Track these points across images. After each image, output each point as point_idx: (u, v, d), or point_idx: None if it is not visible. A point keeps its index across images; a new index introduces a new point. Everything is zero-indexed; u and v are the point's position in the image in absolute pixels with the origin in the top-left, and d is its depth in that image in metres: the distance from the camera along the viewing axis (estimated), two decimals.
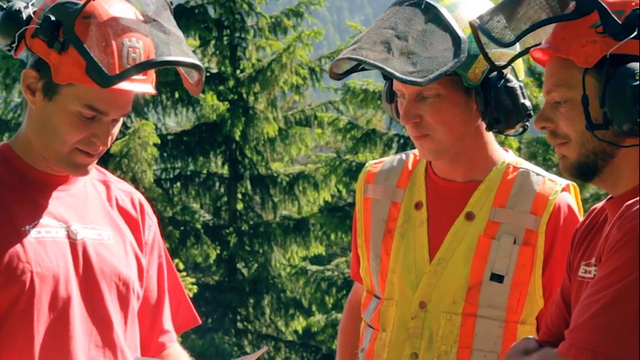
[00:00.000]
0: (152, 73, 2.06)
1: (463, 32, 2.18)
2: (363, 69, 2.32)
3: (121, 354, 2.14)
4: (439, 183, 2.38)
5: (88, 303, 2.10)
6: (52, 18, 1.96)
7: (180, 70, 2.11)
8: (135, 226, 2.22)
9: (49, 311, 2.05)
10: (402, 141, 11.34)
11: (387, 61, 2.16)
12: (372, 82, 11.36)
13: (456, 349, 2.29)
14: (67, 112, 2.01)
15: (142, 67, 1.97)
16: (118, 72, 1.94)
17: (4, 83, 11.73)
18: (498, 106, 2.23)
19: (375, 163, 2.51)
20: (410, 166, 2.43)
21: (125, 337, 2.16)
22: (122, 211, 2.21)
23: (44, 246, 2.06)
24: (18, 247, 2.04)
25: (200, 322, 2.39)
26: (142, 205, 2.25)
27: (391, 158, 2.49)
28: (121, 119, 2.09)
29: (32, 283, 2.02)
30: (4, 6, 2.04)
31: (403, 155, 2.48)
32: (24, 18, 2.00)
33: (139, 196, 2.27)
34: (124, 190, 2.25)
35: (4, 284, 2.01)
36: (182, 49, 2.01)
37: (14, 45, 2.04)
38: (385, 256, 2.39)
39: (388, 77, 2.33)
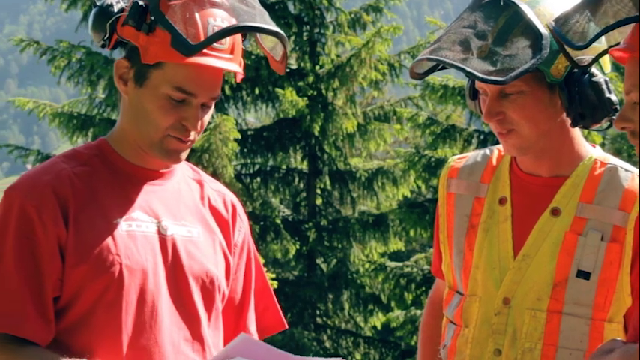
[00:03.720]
0: (239, 54, 2.09)
1: (545, 28, 2.15)
2: (444, 68, 2.31)
3: (207, 349, 2.17)
4: (524, 178, 2.35)
5: (176, 298, 2.14)
6: (140, 3, 2.02)
7: (266, 50, 2.14)
8: (225, 226, 2.24)
9: (138, 303, 2.09)
10: (482, 137, 11.24)
11: (467, 60, 2.15)
12: (452, 77, 11.29)
13: (541, 346, 2.27)
14: (158, 95, 2.05)
15: (225, 33, 2.00)
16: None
17: (89, 80, 11.94)
18: (583, 101, 2.20)
19: (459, 158, 2.50)
20: (494, 162, 2.41)
21: (210, 334, 2.19)
22: (214, 210, 2.24)
23: (134, 240, 2.10)
24: (109, 239, 2.08)
25: (287, 326, 2.39)
26: (233, 207, 2.27)
27: (475, 153, 2.47)
28: (212, 107, 2.11)
29: (121, 275, 2.06)
30: (97, 3, 2.09)
31: (487, 151, 2.46)
32: (115, 11, 2.06)
33: (231, 197, 2.29)
34: (217, 191, 2.28)
35: (94, 275, 2.06)
36: (265, 20, 2.04)
37: (107, 39, 2.08)
38: (468, 252, 2.37)
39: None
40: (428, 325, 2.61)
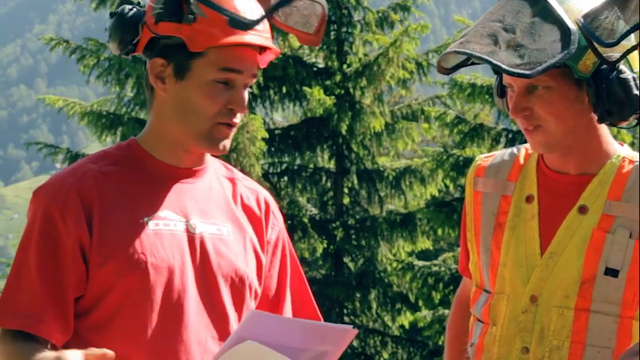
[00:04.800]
0: (269, 33, 2.14)
1: (574, 24, 2.14)
2: (473, 63, 2.30)
3: None
4: (551, 176, 2.34)
5: (204, 296, 2.14)
6: None
7: (293, 28, 2.16)
8: (258, 224, 2.25)
9: (163, 302, 2.10)
10: (510, 135, 11.20)
11: (494, 53, 2.14)
12: (480, 76, 11.26)
13: (569, 344, 2.26)
14: (203, 83, 2.08)
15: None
16: (256, 17, 2.05)
17: (118, 78, 12.00)
18: (610, 98, 2.18)
19: (486, 156, 2.49)
20: (521, 160, 2.40)
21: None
22: (246, 208, 2.25)
23: (161, 238, 2.11)
24: (135, 238, 2.10)
25: None
26: (267, 204, 2.28)
27: (502, 152, 2.47)
28: (248, 88, 2.14)
29: (147, 274, 2.08)
30: (115, 12, 2.12)
31: (514, 149, 2.45)
32: (138, 15, 2.09)
33: (265, 195, 2.30)
34: (250, 188, 2.28)
35: (120, 274, 2.08)
36: None
37: (133, 44, 2.11)
38: (495, 250, 2.37)
39: (498, 71, 2.31)
40: (455, 324, 2.61)
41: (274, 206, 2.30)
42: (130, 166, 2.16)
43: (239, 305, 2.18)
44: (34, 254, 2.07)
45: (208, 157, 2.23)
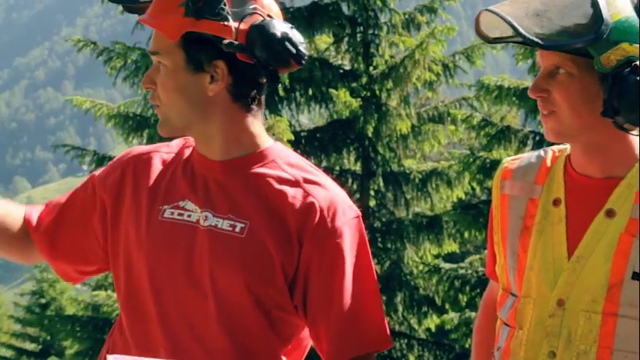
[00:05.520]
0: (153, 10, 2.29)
1: (610, 16, 2.12)
2: (520, 43, 2.25)
3: (218, 347, 2.18)
4: (578, 179, 2.32)
5: (192, 290, 2.18)
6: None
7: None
8: (293, 232, 2.17)
9: (147, 292, 2.21)
10: (537, 138, 11.14)
11: (519, 18, 2.13)
12: (507, 77, 11.21)
13: (596, 349, 2.24)
14: None
15: None
16: None
17: None
18: (622, 96, 2.15)
19: (513, 159, 2.48)
20: (548, 162, 2.38)
21: (223, 331, 2.17)
22: (287, 215, 2.18)
23: (168, 226, 2.19)
24: (143, 222, 2.23)
25: (385, 346, 2.33)
26: (315, 215, 2.18)
27: (529, 154, 2.45)
28: (159, 65, 2.30)
29: (130, 263, 2.24)
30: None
31: (542, 152, 2.43)
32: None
33: (322, 206, 2.21)
34: (305, 196, 2.20)
35: (114, 260, 2.27)
36: None
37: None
38: (522, 254, 2.35)
39: (529, 46, 2.28)
40: (482, 328, 2.59)
41: (327, 220, 2.18)
42: (181, 158, 2.28)
43: (228, 303, 2.17)
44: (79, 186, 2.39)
45: (268, 152, 2.23)
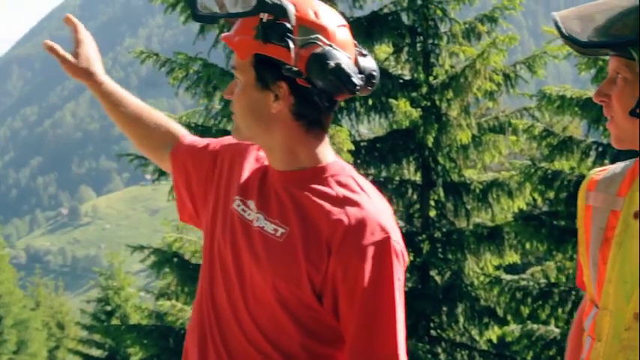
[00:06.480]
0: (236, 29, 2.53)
1: None
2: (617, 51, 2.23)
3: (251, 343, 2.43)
4: None
5: (238, 280, 2.44)
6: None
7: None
8: (322, 237, 2.35)
9: (208, 268, 2.53)
10: (600, 149, 10.99)
11: (566, 17, 2.14)
12: (570, 87, 11.08)
13: None
14: None
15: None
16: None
17: (206, 91, 12.14)
18: None
19: (599, 170, 2.47)
20: (632, 174, 2.35)
21: (257, 325, 2.41)
22: (317, 221, 2.36)
23: (233, 216, 2.49)
24: (218, 211, 2.55)
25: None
26: (345, 238, 2.32)
27: (615, 166, 2.43)
28: (236, 79, 2.54)
29: (207, 241, 2.53)
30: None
31: (629, 162, 2.40)
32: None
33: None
34: (342, 216, 2.35)
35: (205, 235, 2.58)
36: None
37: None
38: (602, 265, 2.33)
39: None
40: (572, 337, 2.61)
41: (356, 243, 2.32)
42: (265, 165, 2.54)
43: (255, 297, 2.42)
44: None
45: (323, 169, 2.44)
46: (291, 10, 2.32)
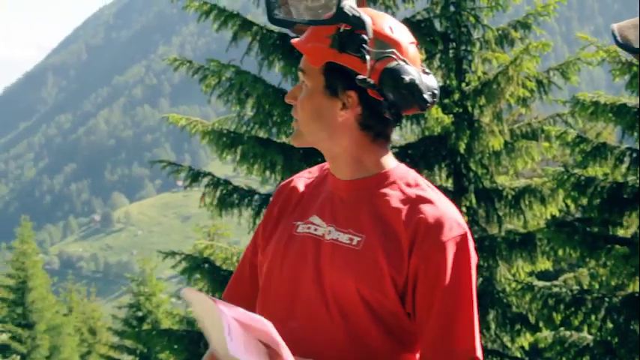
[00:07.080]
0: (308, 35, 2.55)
1: None
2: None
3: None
4: None
5: (318, 298, 2.39)
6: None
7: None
8: (404, 246, 2.36)
9: (273, 299, 2.49)
10: (634, 155, 10.93)
11: (622, 27, 2.17)
12: (603, 94, 11.02)
13: None
14: None
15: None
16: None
17: (238, 98, 12.18)
18: None
19: None
20: None
21: (345, 335, 2.37)
22: (394, 224, 2.38)
23: (299, 240, 2.47)
24: (284, 238, 2.51)
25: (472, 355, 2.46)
26: (425, 230, 2.36)
27: None
28: (303, 84, 2.55)
29: (268, 273, 2.50)
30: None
31: None
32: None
33: (431, 221, 2.37)
34: (418, 214, 2.38)
35: (263, 262, 2.55)
36: None
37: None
38: None
39: None
40: None
41: (436, 234, 2.35)
42: (321, 179, 2.56)
43: (343, 314, 2.37)
44: None
45: (389, 174, 2.48)
46: (368, 22, 2.36)
